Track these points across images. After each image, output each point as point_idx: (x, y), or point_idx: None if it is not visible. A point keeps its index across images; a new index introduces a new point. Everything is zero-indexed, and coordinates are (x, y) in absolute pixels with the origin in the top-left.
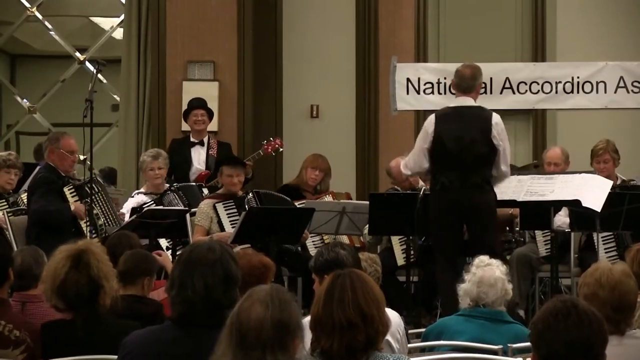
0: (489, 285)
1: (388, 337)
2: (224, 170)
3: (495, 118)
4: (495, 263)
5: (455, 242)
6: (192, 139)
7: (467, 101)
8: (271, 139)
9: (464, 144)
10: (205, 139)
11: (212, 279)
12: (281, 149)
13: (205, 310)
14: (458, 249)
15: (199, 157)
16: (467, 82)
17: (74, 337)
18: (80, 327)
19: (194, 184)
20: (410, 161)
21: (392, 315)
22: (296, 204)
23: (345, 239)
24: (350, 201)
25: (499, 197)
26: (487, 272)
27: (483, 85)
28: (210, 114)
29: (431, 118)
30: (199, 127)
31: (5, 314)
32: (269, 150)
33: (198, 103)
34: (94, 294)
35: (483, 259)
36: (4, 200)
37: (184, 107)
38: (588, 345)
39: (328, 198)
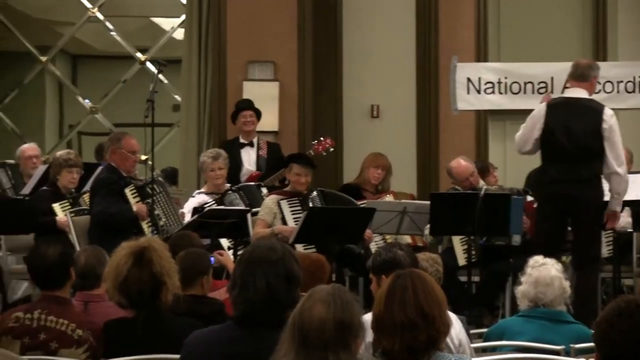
0: (546, 284)
1: (447, 339)
2: (293, 167)
3: (607, 112)
4: (550, 262)
5: (557, 236)
6: (241, 140)
7: (579, 92)
8: (322, 138)
9: (573, 136)
10: (255, 140)
11: (274, 279)
12: (332, 149)
13: (267, 309)
14: (558, 245)
15: (249, 158)
16: (581, 70)
17: (135, 335)
18: (142, 326)
19: (253, 184)
20: (518, 143)
21: (453, 317)
22: (358, 203)
23: (407, 239)
24: (411, 201)
25: None
26: (542, 272)
27: (544, 84)
28: (258, 115)
29: (542, 107)
30: (248, 127)
31: (68, 313)
32: (320, 150)
33: (246, 104)
34: (156, 290)
35: (537, 259)
36: (66, 201)
37: None
38: None
39: (389, 198)
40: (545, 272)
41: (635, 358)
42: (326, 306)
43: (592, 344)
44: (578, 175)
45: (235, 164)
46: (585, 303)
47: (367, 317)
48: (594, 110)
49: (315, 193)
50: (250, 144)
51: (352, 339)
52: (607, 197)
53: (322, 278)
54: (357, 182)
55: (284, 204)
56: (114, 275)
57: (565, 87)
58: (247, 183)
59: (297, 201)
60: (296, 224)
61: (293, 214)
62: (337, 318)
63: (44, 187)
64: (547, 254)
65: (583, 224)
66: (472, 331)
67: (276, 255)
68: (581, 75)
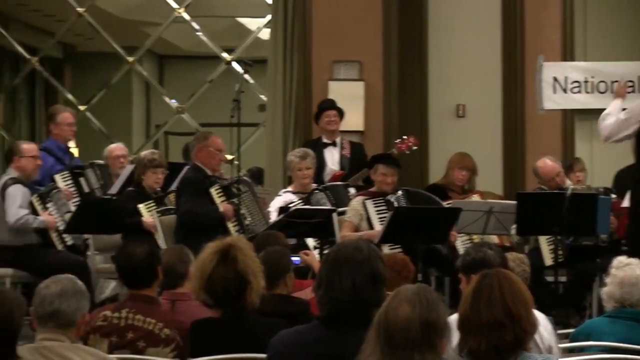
0: (631, 284)
1: (537, 337)
2: (379, 168)
3: None
4: (635, 262)
5: None
6: (324, 140)
7: None
8: (405, 137)
9: None
10: (338, 140)
11: (360, 278)
12: (415, 147)
13: (353, 309)
14: None
15: (332, 158)
16: None
17: (222, 335)
18: (228, 326)
19: (340, 183)
20: (610, 130)
21: (541, 317)
22: (444, 204)
23: (494, 239)
24: (497, 201)
25: None
26: (627, 272)
27: (631, 83)
28: (341, 114)
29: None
30: (331, 127)
31: (156, 312)
32: (403, 148)
33: (329, 104)
34: (241, 289)
35: (621, 259)
36: (152, 201)
37: None
38: None
39: (475, 198)
40: (630, 272)
41: None
42: (412, 306)
43: None
44: None
45: (318, 163)
46: None
47: (454, 318)
48: None
49: (400, 193)
50: (334, 144)
51: (437, 339)
52: None
53: (408, 277)
54: (443, 183)
55: (369, 203)
56: (200, 274)
57: None
58: (334, 183)
59: (382, 201)
60: (381, 224)
61: (378, 214)
62: (422, 318)
63: (130, 188)
64: (634, 254)
65: None
66: (559, 331)
67: (362, 255)
68: None
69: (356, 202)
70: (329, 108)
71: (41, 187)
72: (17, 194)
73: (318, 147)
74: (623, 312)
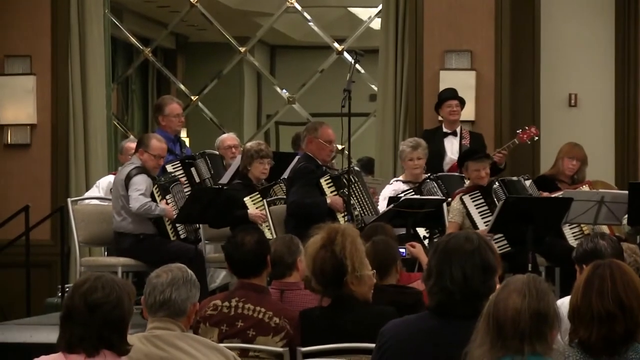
0: None
1: None
2: (470, 165)
3: None
4: None
5: None
6: (444, 130)
7: None
8: (526, 127)
9: None
10: (458, 129)
11: (471, 269)
12: (537, 138)
13: (464, 300)
14: None
15: (452, 147)
16: None
17: (330, 324)
18: (336, 314)
19: (455, 173)
20: None
21: None
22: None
23: (605, 229)
24: (609, 190)
25: None
26: None
27: None
28: (462, 104)
29: None
30: (453, 117)
31: (265, 301)
32: (525, 138)
33: (451, 94)
34: (339, 273)
35: None
36: (257, 193)
37: None
38: None
39: (585, 188)
40: None
41: None
42: (522, 296)
43: None
44: None
45: (438, 153)
46: None
47: (564, 304)
48: None
49: (497, 184)
50: (454, 133)
51: (547, 329)
52: None
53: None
54: (552, 173)
55: (467, 198)
56: (307, 257)
57: None
58: (449, 173)
59: (478, 193)
60: (482, 218)
61: (477, 207)
62: (532, 308)
63: (236, 181)
64: None
65: None
66: None
67: (472, 245)
68: None
69: (455, 202)
70: (451, 98)
71: (161, 178)
72: (142, 183)
73: (438, 137)
74: None
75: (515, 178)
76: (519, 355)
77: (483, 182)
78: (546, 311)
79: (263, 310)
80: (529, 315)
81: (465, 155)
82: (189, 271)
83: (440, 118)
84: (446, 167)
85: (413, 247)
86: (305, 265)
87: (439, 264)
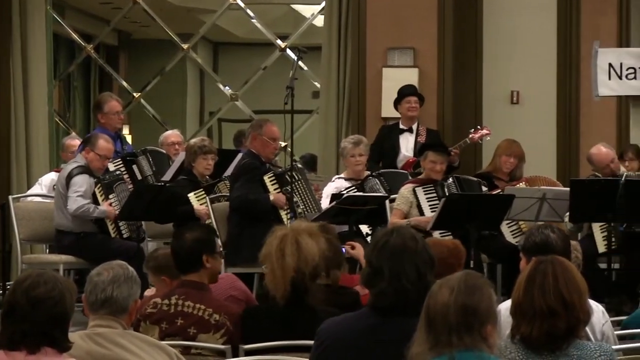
0: None
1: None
2: (428, 155)
3: None
4: None
5: None
6: (401, 126)
7: None
8: (479, 127)
9: None
10: (414, 126)
11: (423, 267)
12: (489, 137)
13: (418, 298)
14: None
15: (407, 144)
16: None
17: (274, 322)
18: (280, 313)
19: (399, 170)
20: None
21: (595, 306)
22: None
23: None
24: (550, 187)
25: None
26: None
27: None
28: (422, 100)
29: None
30: (412, 113)
31: (205, 298)
32: (476, 138)
33: (411, 90)
34: (299, 277)
35: None
36: (202, 190)
37: (384, 94)
38: None
39: (522, 185)
40: None
41: None
42: (450, 291)
43: None
44: None
45: (392, 149)
46: None
47: (506, 305)
48: None
49: (450, 180)
50: (410, 130)
51: (478, 323)
52: None
53: (460, 264)
54: (489, 170)
55: (420, 191)
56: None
57: None
58: (393, 169)
59: (432, 188)
60: (432, 211)
61: (429, 201)
62: (459, 302)
63: (181, 177)
64: None
65: None
66: (611, 319)
67: (418, 243)
68: None
69: (406, 189)
70: (410, 94)
71: (105, 177)
72: (82, 183)
73: (394, 133)
74: None
75: (474, 179)
76: (448, 347)
77: (437, 176)
78: (475, 305)
79: (203, 307)
80: (455, 309)
81: (428, 144)
82: (130, 268)
83: (398, 114)
84: (400, 163)
85: (353, 248)
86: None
87: (392, 264)
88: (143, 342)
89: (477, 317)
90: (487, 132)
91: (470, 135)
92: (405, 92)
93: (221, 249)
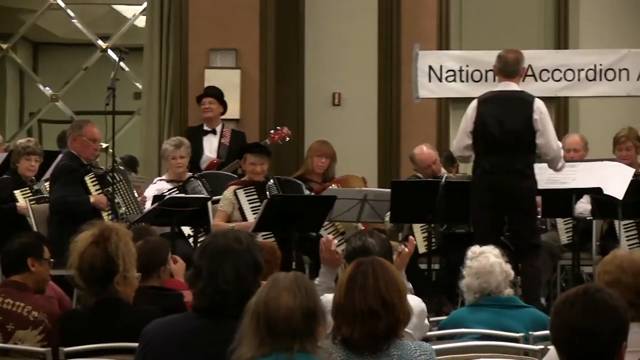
0: (487, 272)
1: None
2: (247, 157)
3: (537, 103)
4: (488, 249)
5: (494, 227)
6: (205, 128)
7: (510, 86)
8: (278, 128)
9: (505, 129)
10: (218, 128)
11: (244, 269)
12: (288, 138)
13: (238, 299)
14: (497, 234)
15: (210, 146)
16: (511, 67)
17: (95, 325)
18: (99, 315)
19: (220, 172)
20: (455, 142)
21: (415, 301)
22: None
23: (361, 227)
24: (371, 189)
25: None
26: (482, 262)
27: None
28: (221, 102)
29: (474, 102)
30: (206, 114)
31: (25, 297)
32: (276, 139)
33: (207, 91)
34: (109, 272)
35: (475, 249)
36: (27, 188)
37: None
38: (594, 334)
39: (334, 186)
40: (484, 261)
41: (576, 345)
42: (292, 295)
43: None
44: (510, 166)
45: (196, 150)
46: (530, 290)
47: (327, 300)
48: (524, 102)
49: (271, 181)
50: (213, 132)
51: (316, 327)
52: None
53: (277, 265)
54: (302, 173)
55: (241, 193)
56: (75, 253)
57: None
58: (214, 171)
59: (253, 189)
60: (254, 213)
61: (250, 203)
62: (304, 306)
63: (5, 175)
64: (486, 242)
65: (517, 213)
66: (432, 319)
67: (243, 246)
68: (512, 72)
69: (228, 191)
70: (205, 95)
71: None
72: None
73: (198, 135)
74: (487, 300)
75: (296, 180)
76: (288, 353)
77: (258, 177)
78: (315, 309)
79: (22, 304)
80: (301, 314)
81: (247, 147)
82: None
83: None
84: (203, 165)
85: (175, 262)
86: (72, 261)
87: (211, 264)
88: None
89: (316, 321)
90: (287, 132)
91: (270, 136)
92: (203, 93)
93: (51, 259)
